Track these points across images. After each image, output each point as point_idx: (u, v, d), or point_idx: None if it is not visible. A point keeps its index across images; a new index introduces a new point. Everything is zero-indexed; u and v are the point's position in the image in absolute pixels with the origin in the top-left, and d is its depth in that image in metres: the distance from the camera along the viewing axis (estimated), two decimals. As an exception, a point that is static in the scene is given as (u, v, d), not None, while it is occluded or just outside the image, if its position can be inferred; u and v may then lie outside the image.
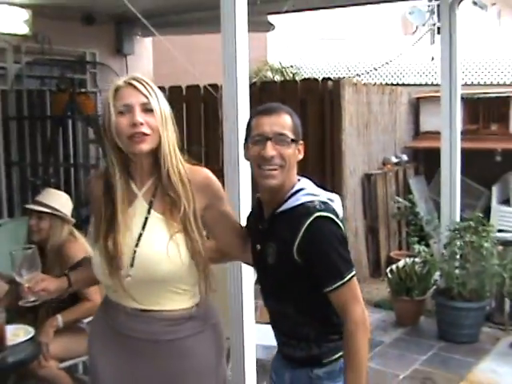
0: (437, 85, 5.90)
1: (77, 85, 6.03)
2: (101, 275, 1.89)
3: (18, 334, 2.85)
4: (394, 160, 7.12)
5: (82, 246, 3.28)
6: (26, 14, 5.46)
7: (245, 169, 2.86)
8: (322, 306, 1.85)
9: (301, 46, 9.57)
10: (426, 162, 7.58)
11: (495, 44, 8.34)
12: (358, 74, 7.56)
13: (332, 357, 1.91)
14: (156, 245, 1.83)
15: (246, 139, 1.93)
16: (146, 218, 1.85)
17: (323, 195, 1.89)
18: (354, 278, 1.80)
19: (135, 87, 1.82)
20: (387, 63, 7.00)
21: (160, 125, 1.83)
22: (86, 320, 3.18)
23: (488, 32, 9.73)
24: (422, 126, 7.78)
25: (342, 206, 1.95)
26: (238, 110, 2.90)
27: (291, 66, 8.68)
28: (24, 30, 5.52)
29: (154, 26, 4.50)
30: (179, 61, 5.08)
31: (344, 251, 1.80)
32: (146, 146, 1.82)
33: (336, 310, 1.82)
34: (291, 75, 8.36)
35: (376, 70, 7.28)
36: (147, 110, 1.82)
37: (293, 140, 1.87)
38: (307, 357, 1.92)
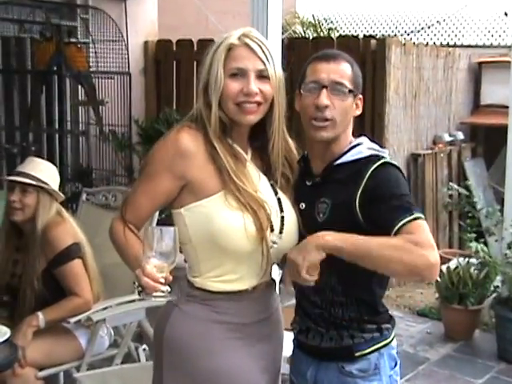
0: (506, 46, 5.79)
1: (65, 33, 5.95)
2: (240, 241, 1.92)
3: (-11, 334, 2.81)
4: (448, 138, 7.07)
5: (71, 230, 3.24)
6: None
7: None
8: (370, 283, 1.99)
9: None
10: (487, 141, 7.52)
11: None
12: (407, 32, 7.46)
13: (366, 349, 2.01)
14: (295, 214, 2.04)
15: (298, 87, 2.03)
16: (273, 185, 2.04)
17: (387, 153, 2.04)
18: (425, 223, 1.86)
19: (252, 50, 1.93)
20: (444, 19, 6.89)
21: (276, 94, 1.97)
22: (73, 319, 3.15)
23: None
24: (483, 97, 7.72)
25: None
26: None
27: (325, 20, 8.59)
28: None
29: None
30: (190, 9, 5.03)
31: (412, 202, 1.90)
32: (255, 118, 1.96)
33: None
34: (326, 31, 8.26)
35: (429, 27, 7.17)
36: (262, 76, 1.94)
37: (351, 91, 1.99)
38: (337, 348, 2.03)
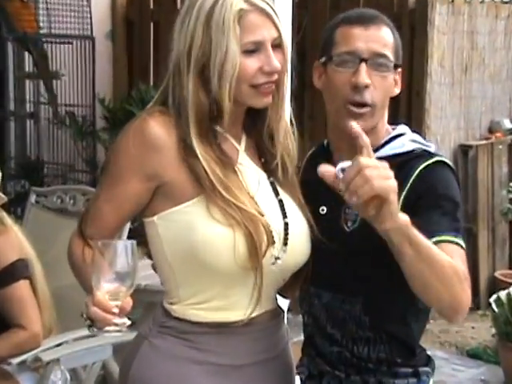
0: None
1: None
2: (227, 261, 1.91)
3: None
4: (509, 125, 7.07)
5: (15, 242, 3.25)
6: None
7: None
8: (406, 314, 2.02)
9: None
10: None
11: None
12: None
13: None
14: (303, 218, 2.04)
15: (324, 58, 2.04)
16: (273, 183, 2.04)
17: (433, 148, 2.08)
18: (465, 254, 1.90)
19: (266, 13, 1.92)
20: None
21: (287, 65, 2.00)
22: (15, 360, 3.16)
23: None
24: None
25: None
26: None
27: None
28: None
29: None
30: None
31: (461, 218, 1.94)
32: (271, 99, 1.98)
33: None
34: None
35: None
36: (276, 45, 1.94)
37: (396, 66, 2.02)
38: None
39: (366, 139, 1.66)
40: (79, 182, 6.15)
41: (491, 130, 6.94)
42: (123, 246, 1.78)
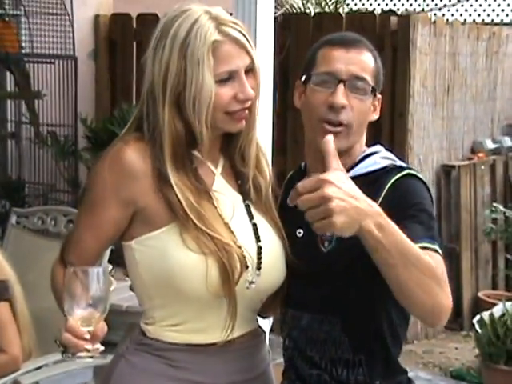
0: None
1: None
2: (200, 287, 1.92)
3: None
4: (491, 145, 7.09)
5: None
6: None
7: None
8: (383, 334, 2.01)
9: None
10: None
11: None
12: (438, 7, 7.52)
13: None
14: (277, 240, 2.06)
15: (304, 77, 2.07)
16: (248, 206, 2.06)
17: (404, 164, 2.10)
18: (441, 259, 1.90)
19: (239, 42, 1.95)
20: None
21: (259, 89, 2.02)
22: (-6, 384, 3.12)
23: None
24: (538, 92, 7.75)
25: None
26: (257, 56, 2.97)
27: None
28: None
29: None
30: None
31: (435, 227, 1.96)
32: (244, 123, 2.01)
33: None
34: (332, 5, 8.31)
35: (468, 0, 7.22)
36: (248, 71, 1.97)
37: (373, 89, 2.04)
38: None
39: (332, 146, 1.69)
40: (61, 202, 6.12)
41: (474, 151, 6.97)
42: (95, 273, 1.80)
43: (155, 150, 1.96)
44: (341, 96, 1.97)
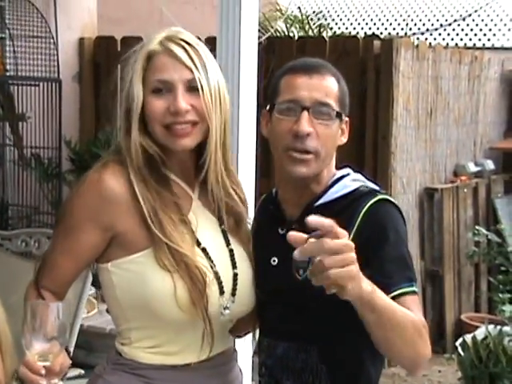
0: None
1: (-28, 26, 5.98)
2: (172, 309, 1.94)
3: None
4: (473, 169, 7.15)
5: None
6: None
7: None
8: (363, 360, 2.02)
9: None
10: (524, 173, 7.57)
11: None
12: (421, 31, 7.56)
13: None
14: (251, 268, 2.09)
15: (268, 106, 2.07)
16: (225, 231, 2.08)
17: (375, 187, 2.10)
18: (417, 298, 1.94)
19: (176, 56, 1.96)
20: (469, 15, 6.99)
21: (209, 108, 1.98)
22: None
23: None
24: (519, 115, 7.82)
25: None
26: (241, 80, 2.98)
27: (316, 15, 8.70)
28: None
29: None
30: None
31: (411, 261, 1.98)
32: (191, 141, 1.99)
33: None
34: (315, 29, 8.34)
35: (451, 25, 7.27)
36: (193, 88, 1.96)
37: (338, 114, 2.03)
38: None
39: (328, 222, 1.60)
40: (44, 224, 6.10)
41: (456, 174, 7.03)
42: (54, 307, 1.81)
43: (128, 172, 1.98)
44: (305, 123, 1.97)
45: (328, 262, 1.57)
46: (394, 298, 1.83)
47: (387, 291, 1.83)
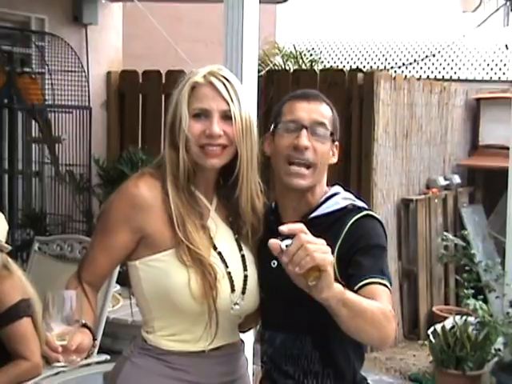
0: (507, 81, 5.90)
1: (17, 62, 5.99)
2: (187, 300, 1.97)
3: None
4: (442, 182, 7.15)
5: (19, 284, 3.21)
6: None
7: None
8: (348, 349, 2.04)
9: (322, 24, 9.60)
10: (486, 186, 7.60)
11: None
12: (397, 65, 7.57)
13: None
14: (257, 271, 2.11)
15: (272, 126, 2.10)
16: (238, 239, 2.11)
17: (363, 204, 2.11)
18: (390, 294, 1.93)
19: (216, 89, 2.01)
20: (439, 51, 7.00)
21: (239, 136, 2.02)
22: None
23: None
24: (482, 137, 7.82)
25: None
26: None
27: (308, 51, 8.71)
28: None
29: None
30: (158, 36, 5.07)
31: (387, 263, 1.99)
32: (219, 161, 2.03)
33: None
34: (308, 63, 8.37)
35: (423, 60, 7.28)
36: (227, 117, 2.02)
37: (331, 134, 2.07)
38: None
39: (298, 227, 1.65)
40: (76, 230, 6.11)
41: (428, 186, 7.02)
42: (68, 296, 1.84)
43: (162, 178, 2.02)
44: (304, 139, 2.01)
45: (311, 247, 1.61)
46: (366, 285, 1.87)
47: (360, 279, 1.87)
